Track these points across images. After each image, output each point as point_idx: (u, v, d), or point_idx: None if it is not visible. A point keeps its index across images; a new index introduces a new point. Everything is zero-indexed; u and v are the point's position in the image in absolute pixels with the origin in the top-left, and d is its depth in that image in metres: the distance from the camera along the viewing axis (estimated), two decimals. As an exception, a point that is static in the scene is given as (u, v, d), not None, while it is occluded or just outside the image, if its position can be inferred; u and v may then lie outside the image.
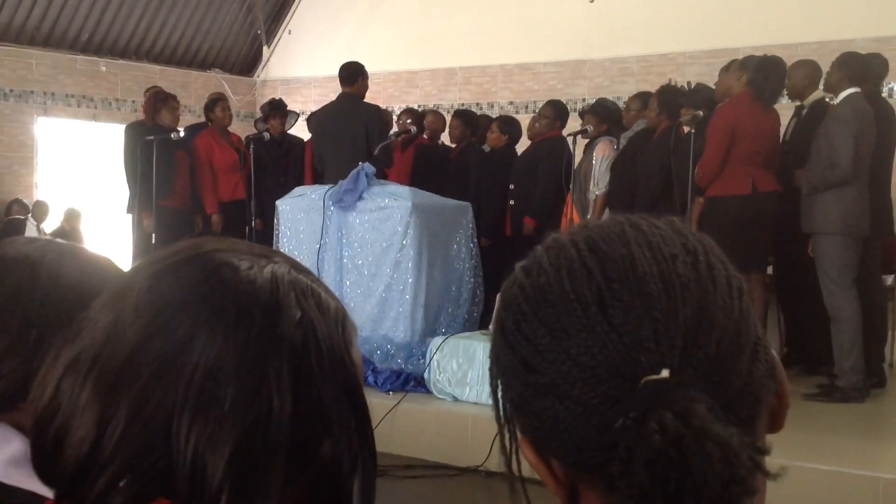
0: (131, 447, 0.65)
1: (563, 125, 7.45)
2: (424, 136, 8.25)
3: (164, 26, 12.48)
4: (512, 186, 7.36)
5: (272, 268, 0.72)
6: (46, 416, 0.68)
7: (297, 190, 6.80)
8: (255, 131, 8.36)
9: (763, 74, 5.72)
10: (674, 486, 0.61)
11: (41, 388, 0.70)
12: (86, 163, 11.71)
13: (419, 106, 10.56)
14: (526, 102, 11.14)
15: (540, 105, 8.09)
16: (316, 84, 12.67)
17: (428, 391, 5.70)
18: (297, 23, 13.27)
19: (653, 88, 6.92)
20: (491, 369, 0.74)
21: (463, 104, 11.09)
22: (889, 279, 6.70)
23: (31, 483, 0.92)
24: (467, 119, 8.27)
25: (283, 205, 6.68)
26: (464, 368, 5.54)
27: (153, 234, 7.23)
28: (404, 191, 6.19)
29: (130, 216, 7.68)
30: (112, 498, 0.65)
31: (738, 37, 9.16)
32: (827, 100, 6.08)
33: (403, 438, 5.27)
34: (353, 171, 6.17)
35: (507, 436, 0.74)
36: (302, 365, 0.69)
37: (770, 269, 6.54)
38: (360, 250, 6.19)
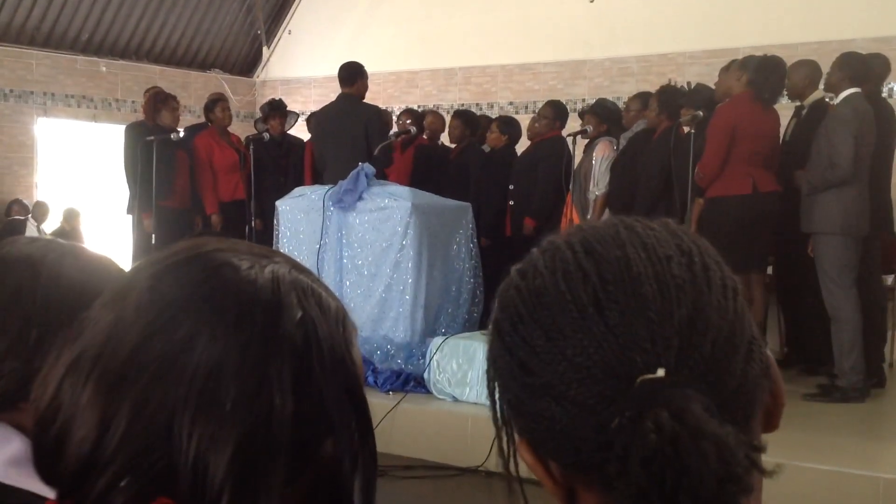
0: (132, 447, 0.65)
1: (563, 125, 7.45)
2: (424, 136, 8.25)
3: (164, 27, 12.48)
4: (512, 187, 7.36)
5: (273, 268, 0.72)
6: (48, 415, 0.69)
7: (297, 190, 6.80)
8: (255, 132, 8.36)
9: (763, 74, 5.72)
10: (670, 484, 0.61)
11: (42, 388, 0.70)
12: (86, 163, 11.71)
13: (419, 106, 10.56)
14: (526, 103, 11.14)
15: (540, 105, 8.09)
16: (316, 84, 12.67)
17: (428, 391, 5.70)
18: (297, 23, 13.27)
19: (653, 89, 6.92)
20: (488, 371, 0.75)
21: (463, 104, 11.09)
22: (889, 279, 6.70)
23: (32, 483, 0.92)
24: (467, 119, 8.27)
25: (283, 205, 6.68)
26: (464, 369, 5.54)
27: (153, 235, 7.23)
28: (404, 191, 6.19)
29: (130, 216, 7.69)
30: (113, 498, 0.65)
31: (738, 37, 9.16)
32: (827, 100, 6.08)
33: (403, 439, 5.27)
34: (353, 172, 6.17)
35: (504, 437, 0.74)
36: (303, 364, 0.69)
37: (770, 269, 6.55)
38: (360, 250, 6.19)
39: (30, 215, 10.83)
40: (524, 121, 8.13)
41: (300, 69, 13.08)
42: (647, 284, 0.67)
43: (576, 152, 6.96)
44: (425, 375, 5.71)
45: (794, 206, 5.67)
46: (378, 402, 5.26)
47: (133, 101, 11.70)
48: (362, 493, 0.73)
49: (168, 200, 7.44)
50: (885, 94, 6.74)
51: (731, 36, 9.32)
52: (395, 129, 8.10)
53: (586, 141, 7.11)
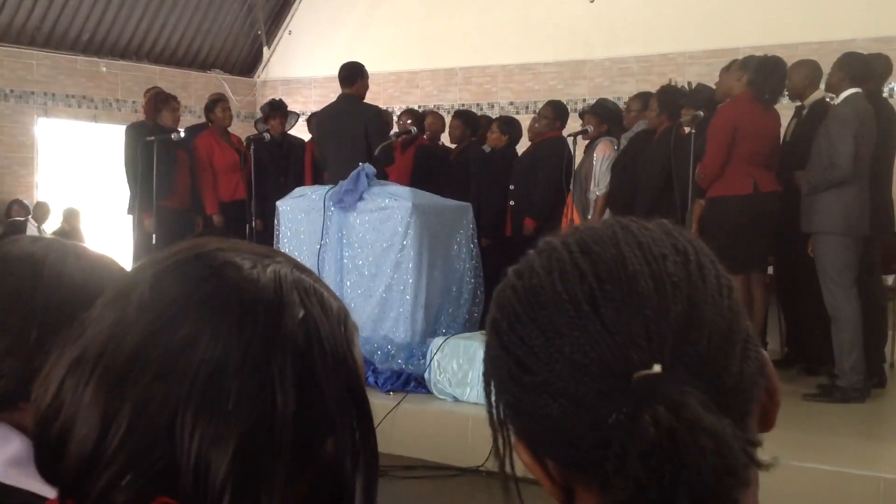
0: (134, 445, 0.65)
1: (563, 125, 7.45)
2: (425, 136, 8.25)
3: (164, 27, 12.49)
4: (512, 187, 7.36)
5: (275, 267, 0.72)
6: (49, 414, 0.69)
7: (298, 190, 6.80)
8: (256, 132, 8.36)
9: (763, 75, 5.72)
10: (668, 478, 0.61)
11: (44, 388, 0.70)
12: (86, 163, 11.71)
13: (419, 106, 10.56)
14: (526, 103, 11.14)
15: (540, 105, 8.09)
16: (316, 84, 12.67)
17: (428, 391, 5.70)
18: (297, 23, 13.27)
19: (653, 89, 6.92)
20: (485, 373, 0.75)
21: (463, 104, 11.10)
22: (889, 279, 6.70)
23: (32, 483, 0.92)
24: (467, 119, 8.27)
25: (284, 205, 6.68)
26: (464, 369, 5.54)
27: (154, 235, 7.23)
28: (404, 191, 6.19)
29: (131, 217, 7.69)
30: (114, 496, 0.65)
31: (738, 37, 9.16)
32: (827, 100, 6.08)
33: (404, 439, 5.27)
34: (354, 172, 6.18)
35: (501, 438, 0.75)
36: (305, 363, 0.69)
37: (770, 269, 6.55)
38: (361, 251, 6.19)
39: (30, 216, 10.84)
40: (525, 121, 8.13)
41: (300, 69, 13.09)
42: (642, 282, 0.68)
43: (576, 152, 6.96)
44: (426, 375, 5.71)
45: (795, 206, 5.68)
46: (379, 403, 5.26)
47: (133, 102, 11.71)
48: (363, 493, 0.73)
49: (168, 200, 7.45)
50: (885, 95, 6.73)
51: (732, 36, 9.32)
52: (395, 129, 8.10)
53: (587, 141, 7.11)
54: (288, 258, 0.76)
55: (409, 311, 6.00)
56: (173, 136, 7.45)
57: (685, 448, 0.61)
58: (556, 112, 7.46)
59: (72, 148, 11.78)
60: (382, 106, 8.41)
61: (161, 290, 0.70)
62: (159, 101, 7.76)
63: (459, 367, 5.56)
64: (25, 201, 11.05)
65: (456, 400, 5.58)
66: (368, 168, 6.19)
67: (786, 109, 6.32)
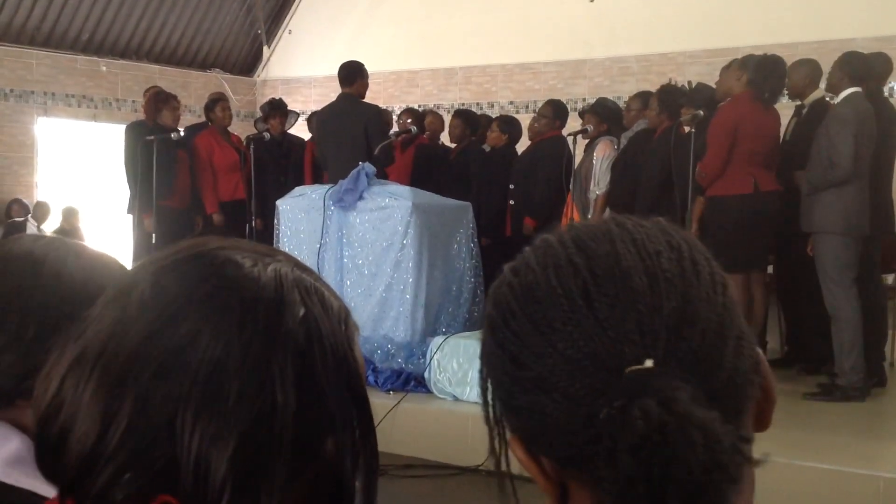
0: (134, 443, 0.65)
1: (563, 124, 7.45)
2: (425, 136, 8.25)
3: (164, 26, 12.48)
4: (512, 186, 7.36)
5: (276, 266, 0.73)
6: (50, 412, 0.69)
7: (298, 190, 6.80)
8: (256, 131, 8.36)
9: (763, 74, 5.72)
10: (658, 472, 0.61)
11: (45, 385, 0.70)
12: (86, 163, 11.71)
13: (419, 106, 10.56)
14: (526, 102, 11.14)
15: (540, 105, 8.08)
16: (316, 84, 12.67)
17: (428, 391, 5.70)
18: (297, 23, 13.27)
19: (653, 88, 6.92)
20: (481, 370, 0.75)
21: (463, 104, 11.09)
22: (889, 278, 6.70)
23: (31, 482, 0.92)
24: (467, 119, 8.27)
25: (284, 204, 6.68)
26: (464, 368, 5.54)
27: (153, 234, 7.23)
28: (404, 190, 6.19)
29: (131, 216, 7.69)
30: (114, 493, 0.66)
31: (738, 36, 9.16)
32: (827, 99, 6.08)
33: (404, 438, 5.27)
34: (354, 171, 6.18)
35: (496, 436, 0.75)
36: (305, 362, 0.69)
37: (770, 269, 6.55)
38: (361, 250, 6.19)
39: (29, 215, 10.83)
40: (525, 120, 8.13)
41: (300, 69, 13.09)
42: (636, 278, 0.68)
43: (576, 152, 6.96)
44: (426, 375, 5.71)
45: (795, 205, 5.68)
46: (378, 402, 5.26)
47: (133, 101, 11.71)
48: (363, 492, 0.73)
49: (168, 200, 7.44)
50: (886, 94, 6.72)
51: (732, 35, 9.31)
52: (395, 128, 8.10)
53: (587, 140, 7.11)
54: (289, 257, 0.76)
55: (409, 311, 6.00)
56: (173, 135, 7.45)
57: (675, 442, 0.61)
58: (555, 111, 7.46)
59: (72, 147, 11.78)
60: (382, 105, 8.41)
61: (162, 288, 0.70)
62: (159, 101, 7.75)
63: (459, 366, 5.56)
64: (25, 201, 11.05)
65: (456, 399, 5.58)
66: (368, 167, 6.19)
67: (785, 109, 6.32)
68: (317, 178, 7.58)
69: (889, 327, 6.32)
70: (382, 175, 6.49)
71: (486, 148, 7.91)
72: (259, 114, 8.85)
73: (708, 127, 5.77)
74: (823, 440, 4.80)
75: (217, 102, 8.10)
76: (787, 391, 5.51)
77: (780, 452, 4.20)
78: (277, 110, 8.20)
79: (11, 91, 11.28)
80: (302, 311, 0.70)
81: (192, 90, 12.47)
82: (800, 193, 5.65)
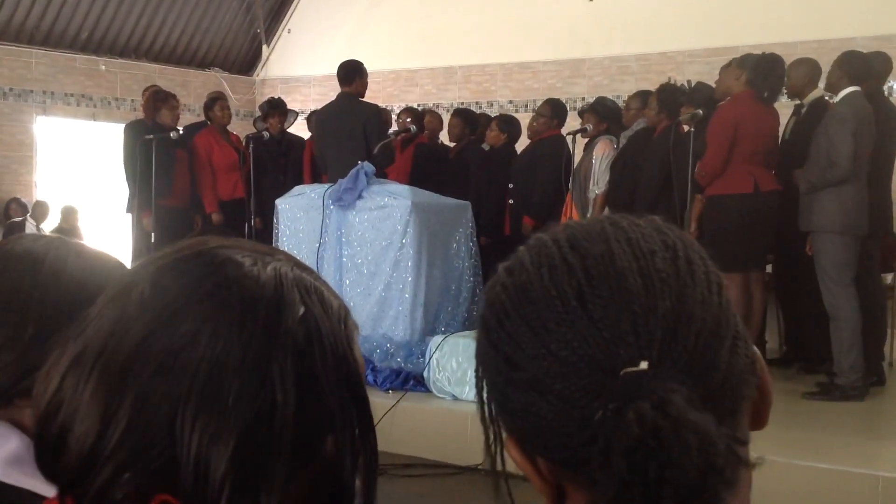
0: (134, 442, 0.66)
1: (562, 124, 7.44)
2: (424, 135, 8.25)
3: (163, 25, 12.48)
4: (511, 185, 7.36)
5: (276, 265, 0.73)
6: (50, 411, 0.69)
7: (297, 189, 6.80)
8: (255, 130, 8.36)
9: (761, 73, 5.72)
10: (653, 475, 0.61)
11: (45, 384, 0.70)
12: (85, 162, 11.71)
13: (419, 105, 10.56)
14: (525, 101, 11.14)
15: (539, 104, 8.08)
16: (315, 83, 12.67)
17: (427, 390, 5.70)
18: (296, 22, 13.27)
19: (652, 87, 6.91)
20: (476, 369, 0.75)
21: (462, 103, 11.09)
22: (888, 277, 6.70)
23: (30, 482, 0.92)
24: (466, 118, 8.27)
25: (283, 204, 6.68)
26: (463, 367, 5.54)
27: (153, 234, 7.22)
28: (404, 189, 6.19)
29: (130, 215, 7.68)
30: (114, 492, 0.66)
31: (737, 35, 9.16)
32: (826, 98, 6.08)
33: (403, 437, 5.27)
34: (353, 170, 6.17)
35: (491, 436, 0.75)
36: (305, 361, 0.69)
37: (769, 268, 6.55)
38: (360, 249, 6.19)
39: (28, 215, 10.83)
40: (524, 119, 8.12)
41: (300, 68, 13.09)
42: (631, 278, 0.68)
43: (575, 151, 6.96)
44: (425, 374, 5.71)
45: (794, 204, 5.67)
46: (378, 401, 5.25)
47: (132, 100, 11.71)
48: (363, 491, 0.73)
49: (167, 199, 7.44)
50: (885, 94, 6.72)
51: (731, 34, 9.32)
52: (394, 127, 8.10)
53: (586, 140, 7.11)
54: (289, 256, 0.76)
55: (408, 310, 6.00)
56: (172, 134, 7.44)
57: (669, 445, 0.61)
58: (553, 110, 7.45)
59: (71, 146, 11.77)
60: (381, 104, 8.41)
61: (162, 287, 0.70)
62: (158, 100, 7.75)
63: (458, 365, 5.56)
64: (24, 200, 11.05)
65: (455, 398, 5.58)
66: (367, 166, 6.18)
67: (784, 108, 6.32)
68: (316, 178, 7.58)
69: (888, 326, 6.33)
70: (382, 174, 6.49)
71: (486, 147, 7.90)
72: (258, 113, 8.85)
73: (707, 126, 5.77)
74: (822, 439, 4.80)
75: (216, 101, 8.09)
76: (786, 390, 5.51)
77: (779, 452, 4.20)
78: (276, 109, 8.20)
79: (10, 90, 11.28)
80: (301, 311, 0.70)
81: (191, 89, 12.47)
82: (798, 193, 5.65)
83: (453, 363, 5.59)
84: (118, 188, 8.15)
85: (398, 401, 5.50)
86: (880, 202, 5.82)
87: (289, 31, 13.37)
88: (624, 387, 0.64)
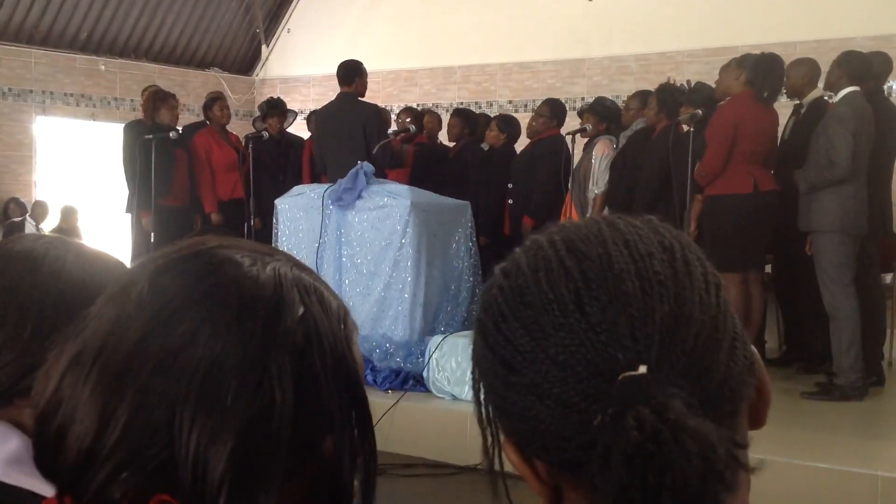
0: (132, 441, 0.66)
1: (561, 123, 7.44)
2: (423, 135, 8.25)
3: (162, 25, 12.48)
4: (511, 185, 7.36)
5: (275, 265, 0.73)
6: (49, 410, 0.69)
7: (296, 189, 6.80)
8: (254, 130, 8.36)
9: (761, 73, 5.72)
10: (653, 481, 0.61)
11: (44, 383, 0.70)
12: (84, 162, 11.71)
13: (418, 105, 10.56)
14: (525, 101, 11.14)
15: (539, 104, 8.09)
16: (315, 83, 12.67)
17: (427, 390, 5.71)
18: (295, 21, 13.27)
19: (652, 87, 6.91)
20: (473, 371, 0.75)
21: (462, 103, 11.09)
22: (888, 277, 6.70)
23: (30, 482, 0.92)
24: (466, 118, 8.27)
25: (282, 203, 6.68)
26: (462, 367, 5.54)
27: (152, 234, 7.22)
28: (403, 189, 6.19)
29: (129, 215, 7.68)
30: (112, 491, 0.66)
31: (737, 35, 9.16)
32: (826, 98, 6.08)
33: (403, 437, 5.27)
34: (352, 170, 6.17)
35: (489, 437, 0.74)
36: (304, 361, 0.69)
37: (769, 268, 6.55)
38: (359, 249, 6.19)
39: (27, 215, 10.83)
40: (523, 119, 8.12)
41: (299, 68, 13.08)
42: (628, 281, 0.67)
43: (575, 151, 6.96)
44: (424, 374, 5.71)
45: (793, 204, 5.67)
46: (377, 401, 5.25)
47: (132, 100, 11.71)
48: (362, 491, 0.73)
49: (167, 199, 7.43)
50: (885, 93, 6.72)
51: (731, 34, 9.32)
52: (394, 127, 8.10)
53: (585, 139, 7.11)
54: (288, 256, 0.76)
55: (407, 310, 6.00)
56: (171, 134, 7.43)
57: (669, 451, 0.61)
58: (552, 110, 7.45)
59: (70, 146, 11.77)
60: (381, 104, 8.41)
61: (160, 286, 0.70)
62: (158, 100, 7.75)
63: (458, 365, 5.56)
64: (23, 200, 11.04)
65: (454, 398, 5.58)
66: (367, 166, 6.18)
67: (784, 108, 6.32)
68: (315, 178, 7.58)
69: (887, 326, 6.32)
70: (381, 174, 6.49)
71: (485, 147, 7.91)
72: (257, 113, 8.85)
73: (707, 126, 5.77)
74: (822, 439, 4.80)
75: (215, 101, 8.09)
76: (785, 390, 5.51)
77: (779, 452, 4.20)
78: (276, 109, 8.20)
79: (10, 90, 11.27)
80: (300, 311, 0.70)
81: (190, 89, 12.46)
82: (798, 192, 5.65)
83: (452, 363, 5.59)
84: (117, 188, 8.15)
85: (398, 400, 5.50)
86: (880, 202, 5.82)
87: (288, 30, 13.36)
88: (622, 391, 0.64)
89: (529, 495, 0.76)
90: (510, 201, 7.36)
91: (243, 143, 8.05)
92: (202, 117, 8.35)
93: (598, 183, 6.82)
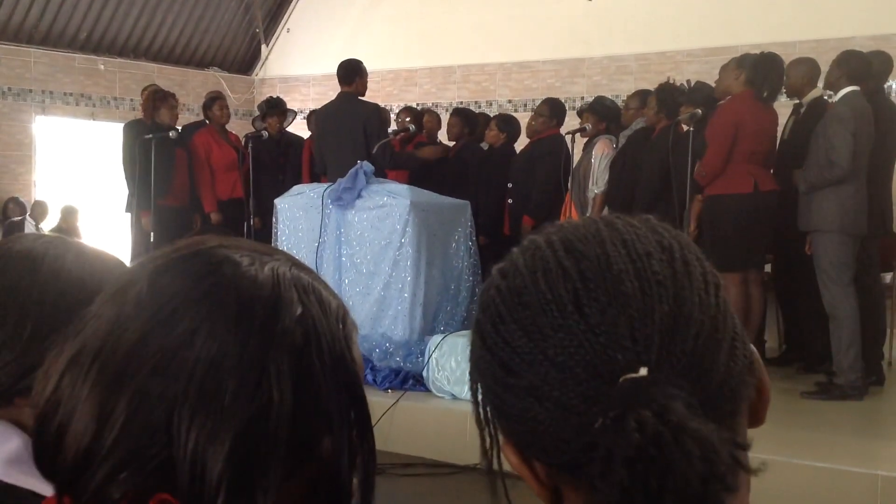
0: (131, 440, 0.66)
1: (560, 123, 7.44)
2: (423, 134, 8.25)
3: (162, 25, 12.47)
4: (510, 185, 7.36)
5: (273, 265, 0.72)
6: (48, 410, 0.69)
7: (296, 188, 6.80)
8: (254, 130, 8.36)
9: (760, 72, 5.72)
10: (654, 484, 0.60)
11: (43, 383, 0.70)
12: (84, 161, 11.70)
13: (418, 104, 10.55)
14: (524, 101, 11.13)
15: (538, 103, 8.09)
16: (314, 82, 12.67)
17: (427, 389, 5.71)
18: (295, 21, 13.26)
19: (651, 87, 6.91)
20: (471, 373, 0.74)
21: (461, 102, 11.09)
22: (888, 277, 6.70)
23: (31, 481, 0.92)
24: (466, 117, 8.27)
25: (282, 203, 6.68)
26: (462, 367, 5.53)
27: (152, 233, 7.22)
28: (403, 189, 6.19)
29: (129, 215, 7.68)
30: (111, 491, 0.66)
31: (736, 35, 9.16)
32: (825, 98, 6.08)
33: (402, 436, 5.27)
34: (352, 170, 6.17)
35: (487, 438, 0.74)
36: (302, 361, 0.69)
37: (768, 268, 6.55)
38: (359, 248, 6.19)
39: (27, 214, 10.82)
40: (523, 119, 8.12)
41: (299, 67, 13.08)
42: (627, 282, 0.67)
43: (574, 150, 6.96)
44: (424, 373, 5.71)
45: (793, 204, 5.68)
46: (377, 401, 5.26)
47: (131, 100, 11.70)
48: (361, 491, 0.73)
49: (166, 199, 7.43)
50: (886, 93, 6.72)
51: (730, 34, 9.32)
52: (393, 126, 8.10)
53: (585, 139, 7.11)
54: (287, 256, 0.76)
55: (407, 309, 6.00)
56: (171, 133, 7.43)
57: (671, 454, 0.60)
58: (552, 110, 7.45)
59: (70, 146, 11.76)
60: (380, 104, 8.41)
61: (159, 286, 0.70)
62: (157, 99, 7.75)
63: (458, 364, 5.56)
64: (23, 200, 11.04)
65: (454, 398, 5.58)
66: (367, 166, 6.18)
67: (783, 107, 6.32)
68: (315, 177, 7.58)
69: (887, 326, 6.33)
70: (381, 174, 6.48)
71: (485, 146, 7.91)
72: (257, 112, 8.85)
73: (707, 126, 5.77)
74: (821, 439, 4.80)
75: (215, 101, 8.09)
76: (785, 390, 5.51)
77: (778, 451, 4.20)
78: (275, 109, 8.20)
79: (9, 89, 11.27)
80: (299, 310, 0.70)
81: (190, 88, 12.46)
82: (798, 192, 5.65)
83: (452, 362, 5.59)
84: (117, 188, 8.15)
85: (397, 400, 5.50)
86: (880, 202, 5.82)
87: (288, 30, 13.36)
88: (623, 393, 0.63)
89: (529, 495, 0.76)
90: (510, 201, 7.36)
91: (243, 143, 8.06)
92: (202, 117, 8.35)
93: (597, 182, 6.82)
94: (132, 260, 5.90)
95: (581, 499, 0.68)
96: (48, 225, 10.86)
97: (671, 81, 6.73)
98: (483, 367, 0.72)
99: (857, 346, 5.42)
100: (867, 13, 8.81)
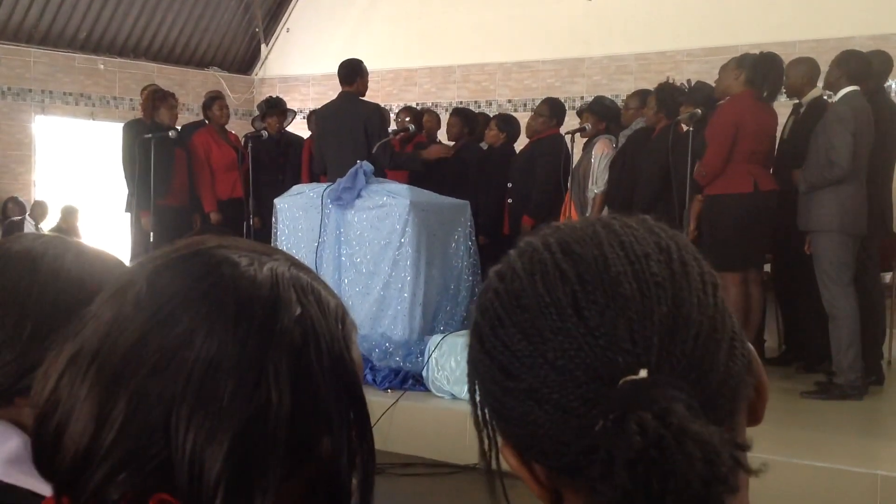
0: (130, 440, 0.65)
1: (560, 123, 7.44)
2: (422, 134, 8.25)
3: (162, 24, 12.47)
4: (510, 185, 7.36)
5: (272, 265, 0.72)
6: (47, 410, 0.69)
7: (296, 188, 6.80)
8: (253, 129, 8.36)
9: (760, 72, 5.72)
10: (656, 486, 0.60)
11: (43, 383, 0.70)
12: (84, 161, 11.70)
13: (417, 104, 10.55)
14: (524, 100, 11.13)
15: (538, 103, 8.08)
16: (314, 82, 12.67)
17: (426, 389, 5.70)
18: (295, 21, 13.26)
19: (651, 86, 6.91)
20: (469, 375, 0.74)
21: (461, 102, 11.09)
22: (888, 277, 6.70)
23: (30, 481, 0.92)
24: (465, 117, 8.27)
25: (282, 203, 6.68)
26: (462, 366, 5.51)
27: (151, 233, 7.21)
28: (403, 189, 6.19)
29: (129, 215, 7.68)
30: (110, 491, 0.66)
31: (736, 34, 9.16)
32: (825, 98, 6.08)
33: (402, 436, 5.27)
34: (352, 169, 6.17)
35: (486, 440, 0.74)
36: (301, 361, 0.69)
37: (768, 267, 6.55)
38: (359, 248, 6.19)
39: (27, 214, 10.82)
40: (523, 119, 8.12)
41: (298, 67, 13.08)
42: (625, 284, 0.67)
43: (574, 150, 6.96)
44: (424, 373, 5.71)
45: (792, 204, 5.68)
46: (376, 400, 5.26)
47: (131, 99, 11.70)
48: (360, 491, 0.73)
49: (166, 199, 7.43)
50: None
51: (730, 33, 9.32)
52: (393, 126, 8.10)
53: (585, 139, 7.11)
54: (286, 256, 0.76)
55: (406, 309, 5.99)
56: (171, 133, 7.43)
57: (672, 456, 0.60)
58: (552, 109, 7.45)
59: (69, 146, 11.76)
60: (380, 103, 8.41)
61: (158, 286, 0.70)
62: (157, 99, 7.75)
63: (457, 364, 5.56)
64: (22, 200, 11.04)
65: (454, 397, 5.58)
66: (366, 165, 6.18)
67: (783, 107, 6.32)
68: (314, 177, 7.58)
69: (887, 326, 6.33)
70: (381, 174, 6.48)
71: (484, 146, 7.91)
72: (257, 112, 8.85)
73: (706, 125, 5.77)
74: (821, 438, 4.80)
75: (215, 101, 8.09)
76: (784, 389, 5.51)
77: (778, 451, 4.20)
78: (275, 108, 8.20)
79: (9, 89, 11.27)
80: (298, 310, 0.70)
81: (189, 88, 12.46)
82: (797, 192, 5.65)
83: (452, 362, 5.59)
84: (117, 187, 8.15)
85: (397, 400, 5.50)
86: (880, 202, 5.82)
87: (287, 30, 13.36)
88: (624, 396, 0.63)
89: (528, 495, 0.76)
90: (509, 201, 7.36)
91: (242, 143, 8.05)
92: (201, 116, 8.35)
93: (597, 182, 6.82)
94: (132, 260, 5.90)
95: (581, 501, 0.68)
96: (48, 225, 10.86)
97: (671, 81, 6.73)
98: (482, 371, 0.72)
99: (856, 345, 5.42)
100: (867, 13, 8.81)
